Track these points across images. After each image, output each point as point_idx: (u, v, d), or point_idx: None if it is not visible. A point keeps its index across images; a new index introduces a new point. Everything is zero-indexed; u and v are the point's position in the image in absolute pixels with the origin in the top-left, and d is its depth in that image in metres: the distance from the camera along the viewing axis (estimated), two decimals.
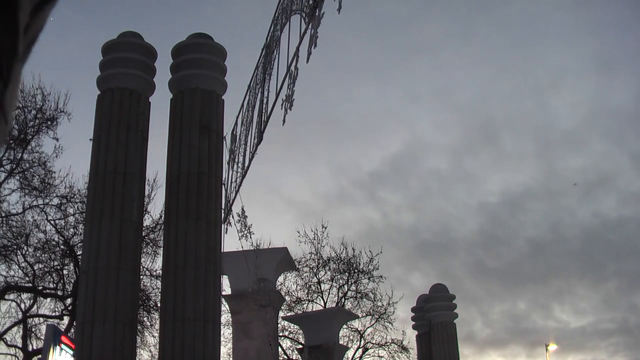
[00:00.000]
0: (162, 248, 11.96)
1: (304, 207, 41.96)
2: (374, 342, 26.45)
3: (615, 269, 47.37)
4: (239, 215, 13.24)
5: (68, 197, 18.92)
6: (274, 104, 10.78)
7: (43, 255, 19.29)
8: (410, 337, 25.02)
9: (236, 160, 13.15)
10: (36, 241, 19.14)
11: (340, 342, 20.24)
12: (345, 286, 26.39)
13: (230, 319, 18.98)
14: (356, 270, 26.38)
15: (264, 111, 11.49)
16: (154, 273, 20.12)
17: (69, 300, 19.43)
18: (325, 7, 8.76)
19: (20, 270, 19.19)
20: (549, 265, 47.60)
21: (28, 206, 18.65)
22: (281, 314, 21.23)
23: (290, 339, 25.96)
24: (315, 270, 26.34)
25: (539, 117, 48.42)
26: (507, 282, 48.29)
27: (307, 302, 26.20)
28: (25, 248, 19.00)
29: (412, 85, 47.73)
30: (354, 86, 46.54)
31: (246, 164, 12.52)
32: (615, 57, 47.67)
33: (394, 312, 26.16)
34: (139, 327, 18.34)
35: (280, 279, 24.14)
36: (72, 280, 19.16)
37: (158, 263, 19.99)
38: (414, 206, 46.35)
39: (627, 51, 47.20)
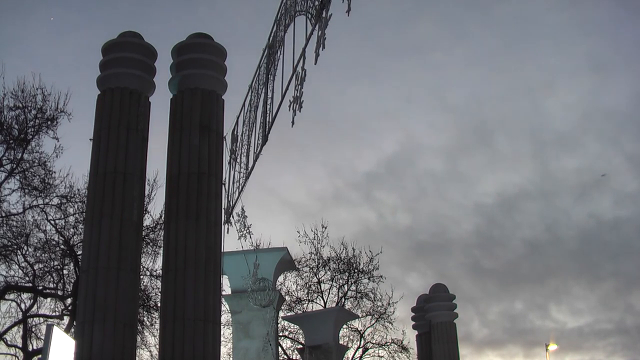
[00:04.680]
0: (162, 248, 11.96)
1: (300, 208, 41.97)
2: (374, 342, 26.51)
3: (611, 269, 47.36)
4: (238, 215, 13.26)
5: (68, 197, 18.94)
6: (280, 105, 10.77)
7: (43, 255, 19.31)
8: (410, 337, 25.06)
9: (238, 160, 13.16)
10: (36, 241, 19.16)
11: (340, 342, 20.23)
12: (345, 286, 26.43)
13: (230, 319, 18.99)
14: (356, 270, 26.40)
15: (268, 112, 11.49)
16: (154, 273, 20.14)
17: (69, 300, 19.44)
18: (332, 8, 8.78)
19: (20, 270, 19.22)
20: (546, 266, 47.56)
21: (28, 206, 18.68)
22: (281, 314, 21.24)
23: (290, 339, 25.99)
24: (315, 270, 26.37)
25: (533, 118, 48.32)
26: (503, 282, 48.29)
27: (307, 302, 26.24)
28: (25, 248, 19.02)
29: (406, 86, 47.63)
30: (347, 87, 46.49)
31: (250, 165, 12.53)
32: (609, 57, 47.58)
33: (393, 312, 26.23)
34: (139, 327, 18.36)
35: (280, 279, 24.19)
36: (72, 280, 19.17)
37: (158, 263, 20.03)
38: (409, 207, 46.31)
39: (621, 51, 47.17)
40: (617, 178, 46.51)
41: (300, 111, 9.49)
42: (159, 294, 16.03)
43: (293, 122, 9.69)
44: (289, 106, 9.77)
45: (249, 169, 12.61)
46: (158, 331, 11.02)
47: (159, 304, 16.50)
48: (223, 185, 11.28)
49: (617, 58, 47.48)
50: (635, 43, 46.38)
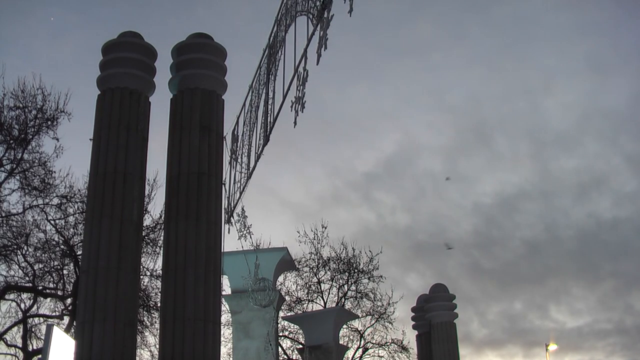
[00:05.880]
0: (162, 248, 11.95)
1: (300, 208, 42.02)
2: (374, 342, 26.50)
3: (610, 269, 47.40)
4: (238, 215, 13.27)
5: (68, 197, 18.93)
6: (281, 105, 10.77)
7: (43, 255, 19.31)
8: (410, 337, 25.06)
9: (239, 160, 13.16)
10: (36, 241, 19.16)
11: (340, 342, 20.24)
12: (345, 286, 26.42)
13: (230, 319, 19.00)
14: (356, 270, 26.40)
15: (269, 112, 11.49)
16: (154, 273, 20.14)
17: (69, 300, 19.44)
18: (333, 9, 8.78)
19: (20, 270, 19.21)
20: (545, 266, 47.60)
21: (28, 206, 18.67)
22: (281, 314, 21.24)
23: (290, 339, 25.98)
24: (315, 270, 26.37)
25: (532, 118, 48.37)
26: (503, 282, 48.30)
27: (307, 302, 26.23)
28: (25, 248, 19.01)
29: (405, 87, 47.71)
30: (347, 87, 46.56)
31: (251, 165, 12.53)
32: (608, 57, 47.60)
33: (393, 312, 26.23)
34: (139, 327, 18.35)
35: (280, 279, 24.19)
36: (72, 280, 19.17)
37: (158, 263, 20.02)
38: (408, 207, 46.32)
39: (620, 52, 47.18)
40: (616, 178, 46.59)
41: (302, 111, 9.51)
42: (159, 294, 16.03)
43: (295, 123, 9.69)
44: (291, 107, 9.77)
45: (251, 169, 12.62)
46: (158, 331, 11.02)
47: (159, 304, 16.50)
48: (223, 185, 11.29)
49: (616, 58, 47.55)
50: (634, 43, 46.44)
